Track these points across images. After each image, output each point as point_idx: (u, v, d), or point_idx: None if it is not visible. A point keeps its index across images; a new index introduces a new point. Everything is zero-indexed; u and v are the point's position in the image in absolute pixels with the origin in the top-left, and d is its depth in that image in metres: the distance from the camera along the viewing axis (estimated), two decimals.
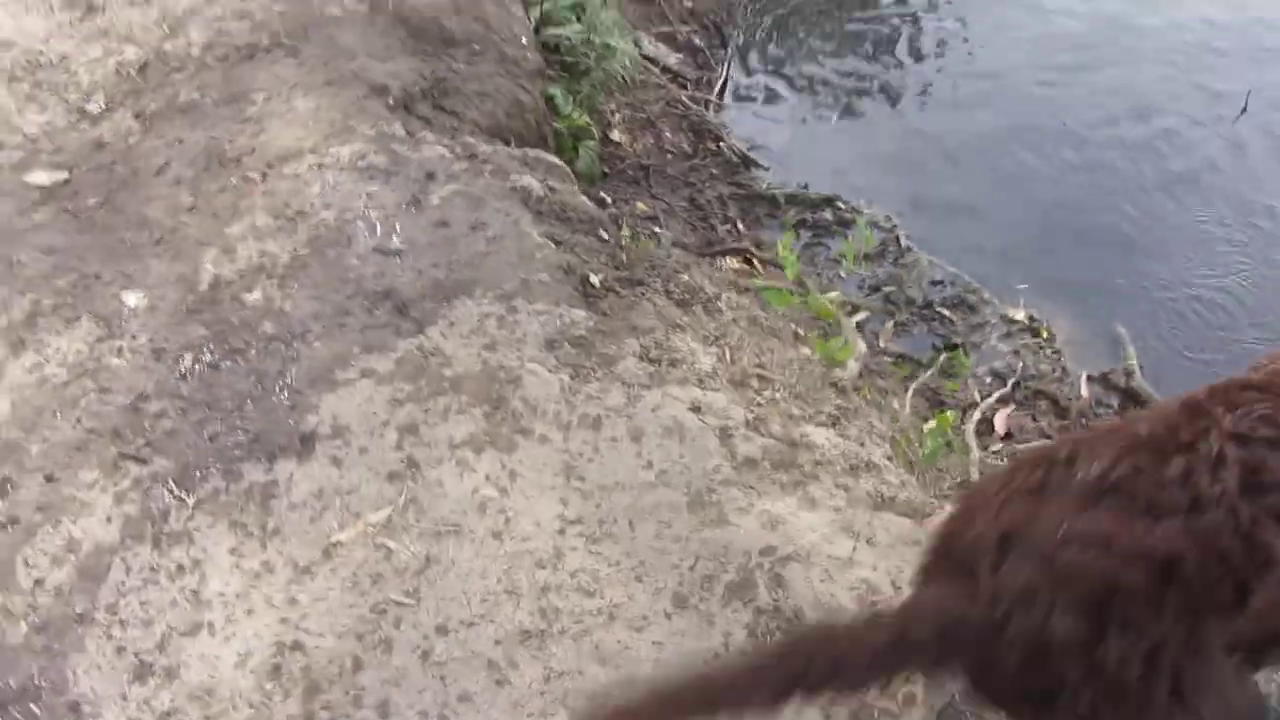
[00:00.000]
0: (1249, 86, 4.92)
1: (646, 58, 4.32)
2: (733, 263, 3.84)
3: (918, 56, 4.93)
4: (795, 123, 4.61)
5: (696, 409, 2.36)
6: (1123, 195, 4.45)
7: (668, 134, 4.17)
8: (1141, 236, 4.33)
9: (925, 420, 3.38)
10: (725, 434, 2.31)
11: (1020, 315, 3.94)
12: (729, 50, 4.80)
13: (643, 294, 2.72)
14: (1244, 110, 4.77)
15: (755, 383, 2.55)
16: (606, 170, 3.83)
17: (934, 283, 4.01)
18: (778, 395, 2.54)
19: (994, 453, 3.43)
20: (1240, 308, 4.10)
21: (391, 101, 2.93)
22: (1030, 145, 4.60)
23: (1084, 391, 3.77)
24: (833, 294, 3.82)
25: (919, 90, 4.77)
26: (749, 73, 4.80)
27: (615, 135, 3.97)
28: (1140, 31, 5.20)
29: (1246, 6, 5.48)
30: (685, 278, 2.88)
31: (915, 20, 5.18)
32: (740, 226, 4.02)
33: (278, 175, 2.66)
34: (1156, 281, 4.17)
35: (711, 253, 3.67)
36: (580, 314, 2.51)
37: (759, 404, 2.48)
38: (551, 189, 2.94)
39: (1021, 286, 4.02)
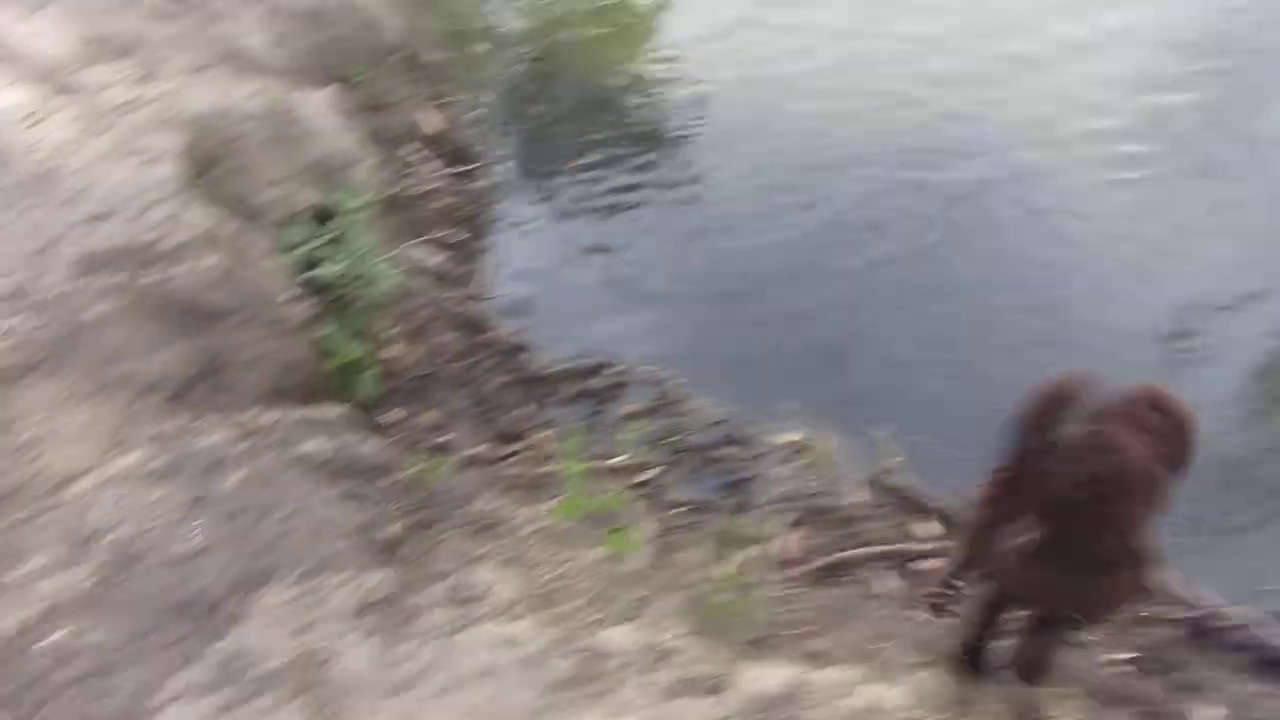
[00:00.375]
0: (945, 185, 5.67)
1: (410, 267, 4.58)
2: (524, 451, 4.11)
3: (658, 212, 5.43)
4: (559, 295, 4.97)
5: (506, 643, 2.58)
6: (860, 306, 4.99)
7: (442, 337, 4.42)
8: (882, 340, 4.86)
9: (723, 564, 3.71)
10: (535, 663, 2.54)
11: (792, 438, 4.35)
12: (486, 241, 5.14)
13: (440, 532, 2.94)
14: (944, 213, 5.46)
15: (556, 597, 2.80)
16: (390, 389, 4.04)
17: (711, 424, 4.38)
18: (578, 604, 2.79)
19: (790, 579, 3.79)
20: (975, 385, 4.63)
21: (166, 396, 3.06)
22: (769, 273, 5.11)
23: (859, 498, 4.19)
24: (618, 458, 4.13)
25: (665, 243, 5.24)
26: (508, 257, 5.14)
27: (392, 352, 4.19)
28: (844, 156, 5.88)
29: (928, 106, 6.28)
30: (479, 504, 3.12)
31: (653, 175, 5.71)
32: (524, 413, 4.30)
33: (63, 501, 2.75)
34: (903, 379, 4.68)
35: (500, 456, 3.92)
36: (382, 574, 2.71)
37: (562, 618, 2.72)
38: (338, 445, 3.13)
39: (787, 409, 4.44)
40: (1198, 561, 3.92)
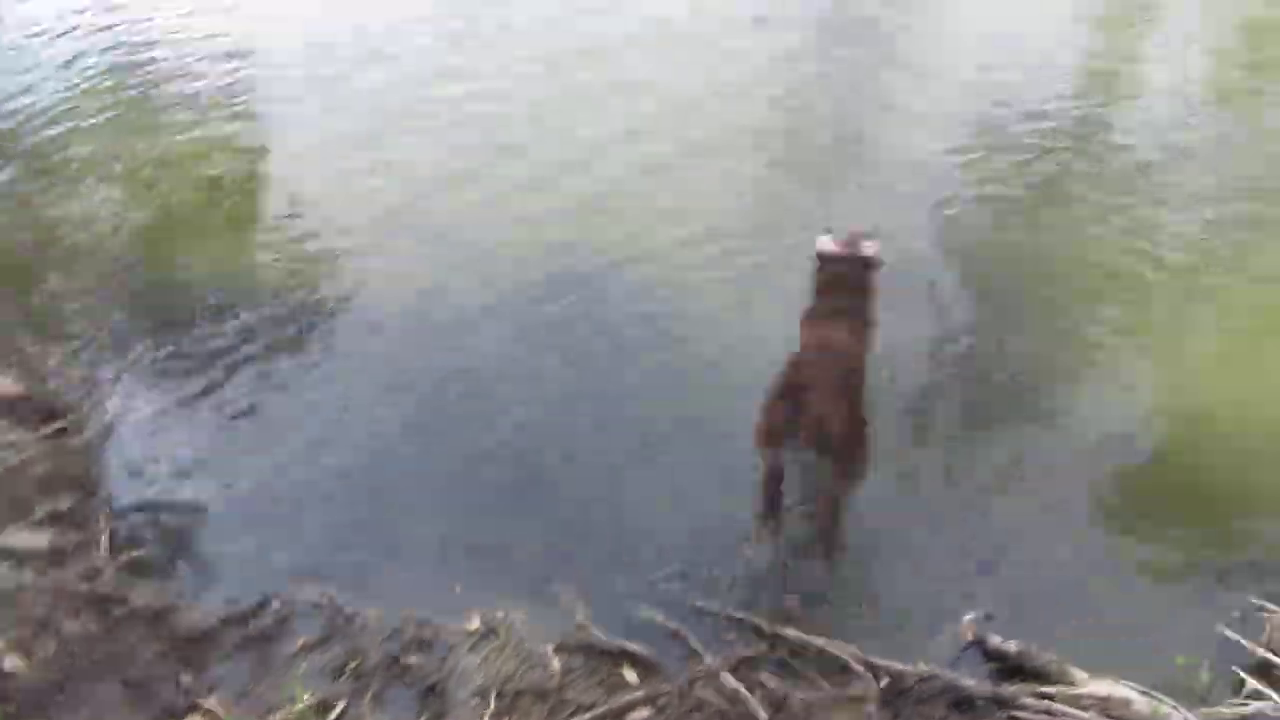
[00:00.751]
0: (573, 318, 5.85)
1: (13, 558, 4.08)
2: None
3: (289, 418, 5.18)
4: (198, 535, 4.59)
5: None
6: (510, 471, 4.95)
7: (71, 625, 3.95)
8: (538, 497, 4.83)
9: None
10: None
11: (475, 624, 4.23)
12: (100, 499, 4.67)
13: None
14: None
15: None
16: (13, 714, 3.54)
17: (390, 635, 4.17)
18: None
19: None
20: (637, 517, 4.73)
21: None
22: (413, 461, 5.00)
23: (555, 666, 4.13)
24: (299, 705, 3.83)
25: (302, 451, 4.99)
26: (131, 507, 4.69)
27: (9, 666, 3.68)
28: (472, 315, 5.93)
29: (534, 242, 6.49)
30: None
31: (281, 374, 5.46)
32: (186, 682, 3.91)
33: None
34: (567, 531, 4.68)
35: None
36: None
37: None
38: None
39: (464, 594, 4.32)
40: (846, 627, 4.22)
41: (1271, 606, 4.18)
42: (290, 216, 6.83)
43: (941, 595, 4.33)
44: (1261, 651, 4.03)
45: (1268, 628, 4.11)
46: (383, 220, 6.72)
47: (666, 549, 4.53)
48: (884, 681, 3.97)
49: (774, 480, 4.42)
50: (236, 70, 8.72)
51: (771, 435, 4.26)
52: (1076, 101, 8.16)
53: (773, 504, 4.47)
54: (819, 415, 4.08)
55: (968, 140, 7.62)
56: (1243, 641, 4.05)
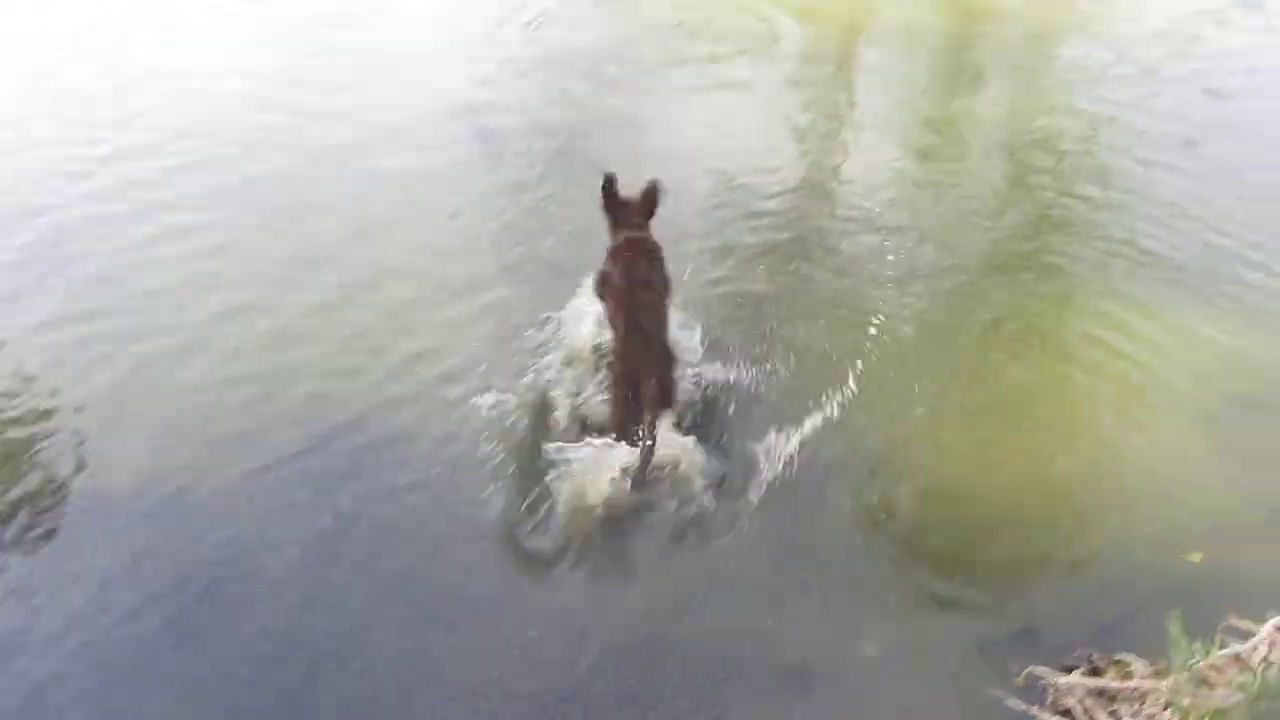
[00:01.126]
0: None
1: None
2: None
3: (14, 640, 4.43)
4: None
5: None
6: (274, 651, 4.46)
7: None
8: (317, 676, 4.36)
9: None
10: None
11: None
12: None
13: None
14: None
15: None
16: None
17: None
18: None
19: None
20: (439, 683, 4.36)
21: None
22: (159, 656, 4.42)
23: None
24: None
25: (29, 673, 4.29)
26: None
27: None
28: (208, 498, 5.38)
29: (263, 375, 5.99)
30: None
31: None
32: None
33: None
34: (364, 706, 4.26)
35: None
36: None
37: None
38: None
39: None
40: None
41: (1048, 671, 4.32)
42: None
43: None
44: (1048, 717, 4.15)
45: (1051, 692, 4.25)
46: (102, 388, 6.00)
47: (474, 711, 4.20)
48: None
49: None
50: None
51: (624, 421, 5.20)
52: (797, 190, 8.53)
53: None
54: (655, 394, 5.12)
55: (696, 231, 7.73)
56: (1030, 711, 4.17)
